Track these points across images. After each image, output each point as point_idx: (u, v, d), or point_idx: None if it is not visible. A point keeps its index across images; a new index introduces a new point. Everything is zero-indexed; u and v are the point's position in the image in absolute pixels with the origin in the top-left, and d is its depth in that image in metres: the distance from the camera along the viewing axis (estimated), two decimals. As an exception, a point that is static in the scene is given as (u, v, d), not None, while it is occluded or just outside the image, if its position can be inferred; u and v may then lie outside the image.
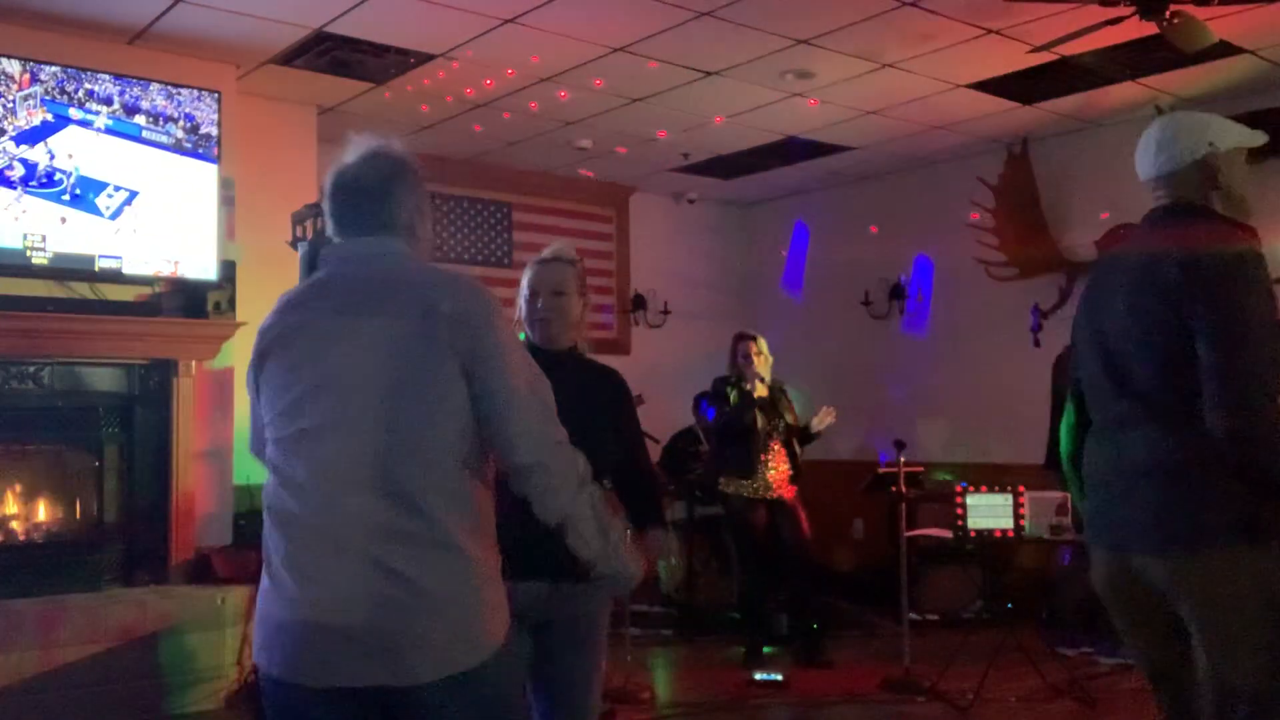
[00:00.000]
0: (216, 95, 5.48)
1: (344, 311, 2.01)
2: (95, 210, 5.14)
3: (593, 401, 2.72)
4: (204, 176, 5.45)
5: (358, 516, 1.92)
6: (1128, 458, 2.44)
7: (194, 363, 5.49)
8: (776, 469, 5.74)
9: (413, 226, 2.12)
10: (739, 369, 5.85)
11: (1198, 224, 2.46)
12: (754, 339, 5.91)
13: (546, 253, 2.93)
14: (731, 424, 5.74)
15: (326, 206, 2.11)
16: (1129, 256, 2.52)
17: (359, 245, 2.09)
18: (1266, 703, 2.30)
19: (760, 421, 5.71)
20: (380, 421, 1.94)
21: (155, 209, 5.28)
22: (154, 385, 5.44)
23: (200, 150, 5.43)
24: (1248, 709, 2.30)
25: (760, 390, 5.78)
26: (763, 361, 5.83)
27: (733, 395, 5.77)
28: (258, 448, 2.14)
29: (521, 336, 2.81)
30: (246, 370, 2.13)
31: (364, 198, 2.09)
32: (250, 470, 5.74)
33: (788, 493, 5.76)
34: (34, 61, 5.02)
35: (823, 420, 5.85)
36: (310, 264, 5.07)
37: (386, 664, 1.90)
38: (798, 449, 5.84)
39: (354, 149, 2.12)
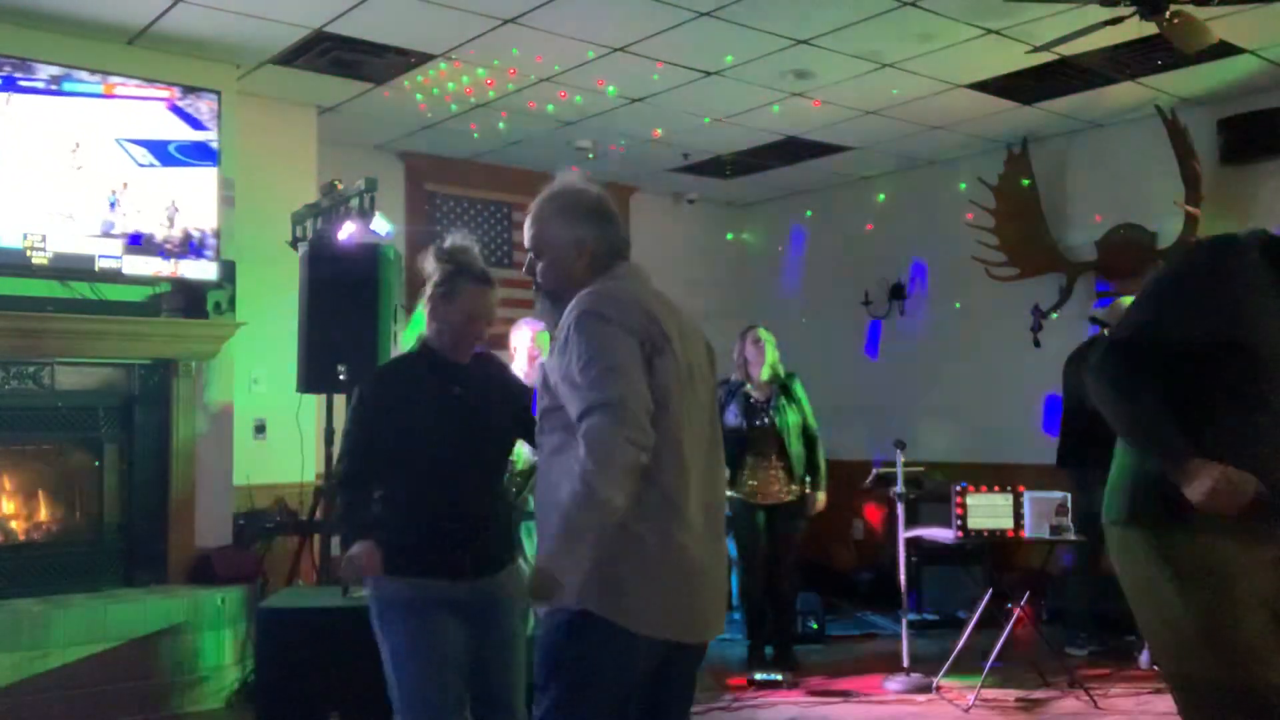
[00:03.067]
0: (216, 95, 5.49)
1: (691, 327, 2.47)
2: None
3: (501, 396, 3.00)
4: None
5: (716, 501, 2.37)
6: None
7: (194, 363, 5.49)
8: (772, 474, 5.66)
9: None
10: (743, 369, 5.76)
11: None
12: (752, 328, 5.77)
13: (477, 265, 2.97)
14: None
15: (623, 229, 2.48)
16: None
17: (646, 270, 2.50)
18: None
19: (754, 424, 5.62)
20: (713, 419, 2.41)
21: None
22: (154, 385, 5.44)
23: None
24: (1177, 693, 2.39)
25: (762, 388, 5.68)
26: (761, 351, 5.65)
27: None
28: (649, 427, 2.20)
29: (415, 332, 3.01)
30: (635, 346, 2.23)
31: None
32: (250, 470, 5.75)
33: (784, 497, 5.68)
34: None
35: (814, 506, 5.77)
36: (311, 264, 5.09)
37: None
38: (797, 450, 5.67)
39: (583, 183, 2.50)
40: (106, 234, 5.15)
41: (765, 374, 5.69)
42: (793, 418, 5.67)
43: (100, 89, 5.17)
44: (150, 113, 5.30)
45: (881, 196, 8.08)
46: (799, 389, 5.77)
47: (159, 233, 5.29)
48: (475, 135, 6.91)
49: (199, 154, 5.42)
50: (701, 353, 2.44)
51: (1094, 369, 2.37)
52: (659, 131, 6.95)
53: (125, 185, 5.22)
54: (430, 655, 2.79)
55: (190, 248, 5.35)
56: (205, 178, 5.43)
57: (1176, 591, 2.30)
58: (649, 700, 2.33)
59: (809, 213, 8.57)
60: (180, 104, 5.36)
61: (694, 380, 2.34)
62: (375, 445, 2.90)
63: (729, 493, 5.70)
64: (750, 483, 5.66)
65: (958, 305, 7.61)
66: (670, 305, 2.44)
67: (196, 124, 5.41)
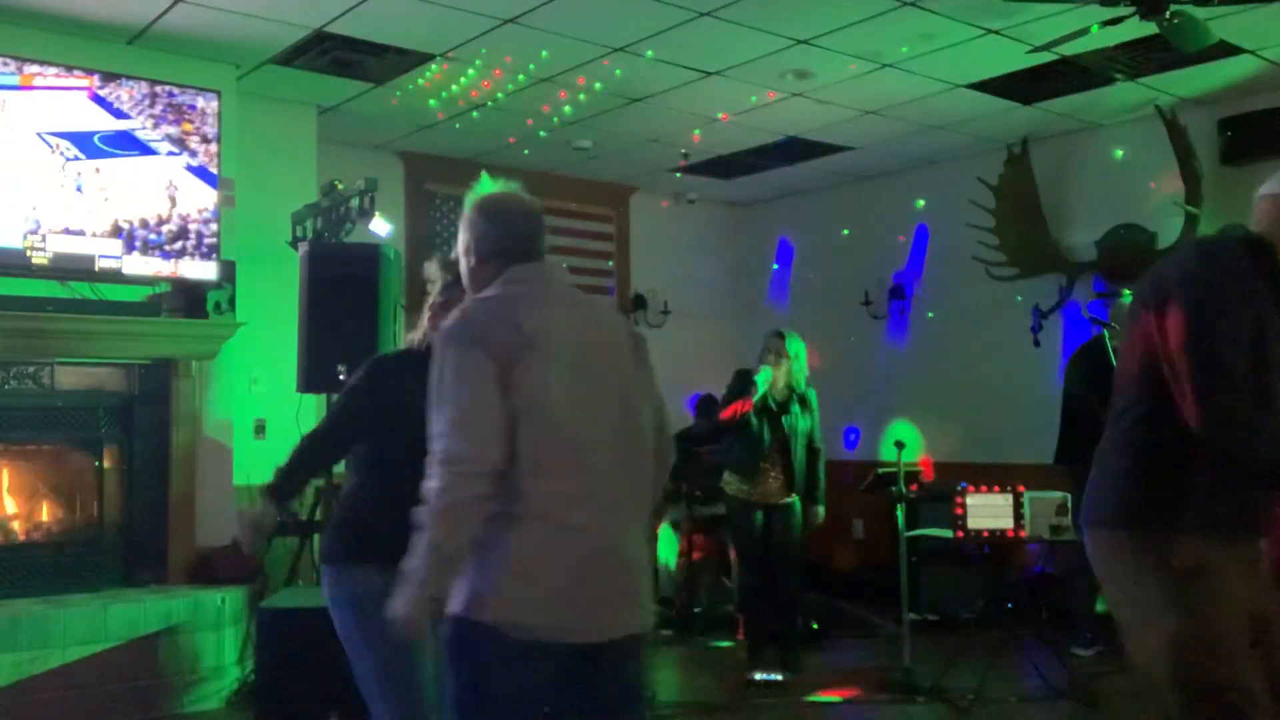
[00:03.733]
0: (216, 95, 5.48)
1: (599, 321, 2.45)
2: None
3: None
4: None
5: (626, 495, 2.32)
6: None
7: (194, 363, 5.49)
8: (774, 477, 5.65)
9: None
10: (762, 365, 5.73)
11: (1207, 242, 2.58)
12: (782, 337, 5.71)
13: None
14: (725, 406, 5.67)
15: (523, 229, 2.41)
16: None
17: (558, 268, 2.46)
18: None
19: (763, 426, 5.60)
20: (629, 406, 2.36)
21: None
22: (154, 385, 5.44)
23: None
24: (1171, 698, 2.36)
25: (778, 393, 5.65)
26: (783, 364, 5.61)
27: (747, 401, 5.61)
28: (497, 452, 2.17)
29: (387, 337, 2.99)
30: (485, 363, 2.19)
31: (543, 228, 2.47)
32: (249, 470, 5.74)
33: (780, 499, 5.65)
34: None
35: (814, 520, 5.76)
36: (311, 264, 5.09)
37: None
38: (800, 458, 5.62)
39: (504, 187, 2.47)
40: (35, 231, 5.02)
41: (781, 382, 5.68)
42: (802, 425, 5.66)
43: (17, 80, 5.00)
44: (71, 103, 5.13)
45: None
46: (814, 400, 5.78)
47: (89, 226, 5.15)
48: (476, 135, 6.90)
49: (124, 144, 5.27)
50: (616, 340, 2.43)
51: (1209, 417, 2.27)
52: (662, 131, 6.95)
53: (61, 178, 5.10)
54: (412, 642, 2.81)
55: (120, 238, 5.23)
56: (135, 167, 5.28)
57: (1163, 592, 2.29)
58: (580, 706, 2.30)
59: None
60: (101, 93, 5.21)
61: (593, 371, 2.31)
62: (360, 423, 2.93)
63: (732, 491, 5.71)
64: (752, 483, 5.63)
65: (958, 305, 7.60)
66: (567, 298, 2.42)
67: (119, 113, 5.26)
